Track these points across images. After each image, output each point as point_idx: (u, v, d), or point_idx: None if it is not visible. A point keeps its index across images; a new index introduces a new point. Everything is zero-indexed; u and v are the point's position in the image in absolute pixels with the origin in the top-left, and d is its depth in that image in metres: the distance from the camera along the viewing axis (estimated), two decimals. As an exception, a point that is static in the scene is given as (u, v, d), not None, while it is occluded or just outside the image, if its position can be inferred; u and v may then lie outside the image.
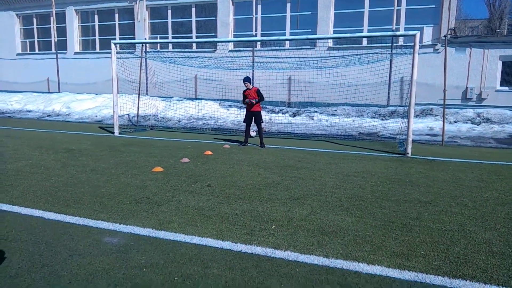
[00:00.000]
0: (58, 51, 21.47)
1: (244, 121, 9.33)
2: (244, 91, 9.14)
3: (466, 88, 15.04)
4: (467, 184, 5.68)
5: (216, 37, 17.73)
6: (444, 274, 2.93)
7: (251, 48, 17.22)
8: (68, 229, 3.76)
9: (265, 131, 11.99)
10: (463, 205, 4.68)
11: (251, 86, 9.04)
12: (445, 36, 9.74)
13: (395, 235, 3.70)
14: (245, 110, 9.51)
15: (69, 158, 7.24)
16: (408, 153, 8.05)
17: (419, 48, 8.82)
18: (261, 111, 9.31)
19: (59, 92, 21.18)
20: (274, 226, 3.90)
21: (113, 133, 10.88)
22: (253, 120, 9.19)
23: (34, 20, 22.64)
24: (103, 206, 4.47)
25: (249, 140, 9.55)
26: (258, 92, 9.05)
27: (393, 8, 15.41)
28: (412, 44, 8.19)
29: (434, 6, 15.33)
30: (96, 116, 15.58)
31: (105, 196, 4.84)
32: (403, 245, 3.46)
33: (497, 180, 5.99)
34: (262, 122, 9.20)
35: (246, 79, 9.01)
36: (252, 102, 8.91)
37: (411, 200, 4.84)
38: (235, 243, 3.48)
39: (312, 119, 14.17)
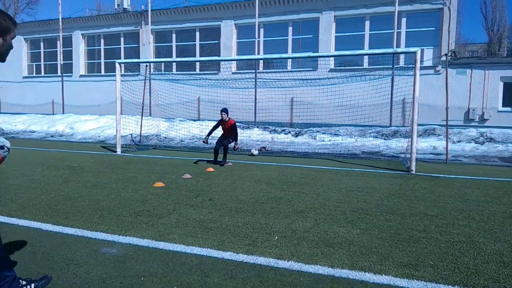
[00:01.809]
0: (64, 74, 21.86)
1: (216, 146, 8.97)
2: (219, 121, 9.08)
3: (468, 109, 15.09)
4: (474, 199, 5.57)
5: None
6: (454, 284, 2.81)
7: (254, 70, 17.46)
8: (65, 240, 3.67)
9: (267, 150, 11.96)
10: (471, 218, 4.57)
11: (227, 119, 8.95)
12: (445, 54, 9.83)
13: (402, 246, 3.58)
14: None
15: (71, 175, 7.20)
16: (412, 170, 7.97)
17: (420, 69, 8.92)
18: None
19: (63, 114, 21.40)
20: (277, 238, 3.79)
21: (115, 151, 10.88)
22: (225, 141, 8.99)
23: (41, 44, 23.19)
24: (103, 218, 4.39)
25: (251, 159, 9.51)
26: (233, 127, 8.93)
27: (393, 30, 15.70)
28: (413, 64, 8.25)
29: (433, 28, 15.62)
30: (99, 136, 15.63)
31: (105, 209, 4.76)
32: (411, 255, 3.35)
33: (504, 195, 5.88)
34: (231, 142, 8.99)
35: (224, 110, 8.99)
36: (231, 144, 8.96)
37: (417, 214, 4.73)
38: (237, 253, 3.37)
39: (315, 139, 14.15)
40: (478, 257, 3.34)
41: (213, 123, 16.21)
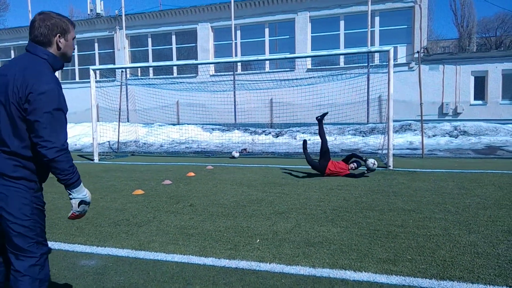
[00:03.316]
0: (37, 82, 21.24)
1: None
2: (347, 165, 7.40)
3: (442, 103, 15.51)
4: (449, 192, 5.74)
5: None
6: (431, 277, 2.88)
7: (232, 72, 17.45)
8: (42, 254, 3.57)
9: (248, 152, 11.99)
10: (446, 211, 4.70)
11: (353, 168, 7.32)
12: (418, 51, 10.09)
13: (381, 242, 3.65)
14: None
15: (46, 186, 6.94)
16: (389, 166, 8.13)
17: (394, 66, 9.14)
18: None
19: (37, 123, 20.79)
20: (258, 240, 3.80)
21: (92, 160, 10.66)
22: None
23: (12, 52, 22.48)
24: (80, 230, 4.29)
25: (232, 162, 9.47)
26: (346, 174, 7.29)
27: (367, 29, 15.99)
28: (387, 62, 8.42)
29: (406, 26, 16.00)
30: (76, 145, 15.29)
31: (83, 220, 4.65)
32: (389, 251, 3.42)
33: (478, 187, 6.07)
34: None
35: (358, 164, 7.41)
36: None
37: (395, 209, 4.83)
38: (219, 258, 3.36)
39: (295, 138, 14.26)
40: (454, 249, 3.44)
41: (192, 127, 16.20)
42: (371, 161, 7.31)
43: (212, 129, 16.13)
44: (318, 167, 7.38)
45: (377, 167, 7.58)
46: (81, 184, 2.10)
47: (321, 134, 7.63)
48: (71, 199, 2.07)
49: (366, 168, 7.33)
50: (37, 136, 1.90)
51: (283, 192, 5.98)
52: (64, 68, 2.35)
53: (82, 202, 2.10)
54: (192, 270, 3.15)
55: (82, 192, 2.09)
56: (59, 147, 1.93)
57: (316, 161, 7.56)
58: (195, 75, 18.18)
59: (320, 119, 7.80)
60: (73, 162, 2.05)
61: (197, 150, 13.03)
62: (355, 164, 7.31)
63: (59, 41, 2.05)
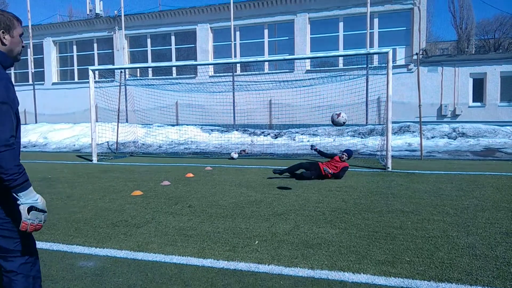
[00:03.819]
0: (35, 82, 21.22)
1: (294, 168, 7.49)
2: (334, 157, 7.60)
3: (441, 105, 15.54)
4: (447, 194, 5.75)
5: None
6: (429, 279, 2.88)
7: (231, 73, 17.45)
8: (40, 255, 3.54)
9: (247, 153, 12.00)
10: (445, 213, 4.71)
11: (345, 158, 7.47)
12: (416, 53, 10.11)
13: (379, 244, 3.65)
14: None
15: (45, 186, 7.00)
16: (388, 168, 8.14)
17: (393, 68, 9.15)
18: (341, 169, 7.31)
19: (36, 123, 20.77)
20: (257, 242, 3.80)
21: (91, 160, 10.65)
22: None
23: (11, 52, 22.43)
24: (79, 231, 4.28)
25: (231, 163, 9.48)
26: (343, 170, 7.26)
27: (366, 31, 16.01)
28: (386, 64, 8.43)
29: (405, 28, 16.03)
30: (74, 145, 15.27)
31: (81, 221, 4.65)
32: (388, 253, 3.42)
33: (476, 188, 6.08)
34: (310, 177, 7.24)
35: (348, 151, 7.62)
36: (329, 173, 7.13)
37: (394, 211, 4.84)
38: (217, 260, 3.36)
39: (294, 140, 14.26)
40: (452, 251, 3.44)
41: (191, 127, 16.20)
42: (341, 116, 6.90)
43: (211, 130, 16.12)
44: (312, 173, 7.24)
45: (346, 122, 7.20)
46: (31, 188, 1.91)
47: (327, 156, 8.23)
48: (19, 205, 1.87)
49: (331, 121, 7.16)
50: None
51: (282, 194, 5.99)
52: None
53: (32, 209, 1.88)
54: (190, 271, 3.14)
55: (32, 197, 1.89)
56: (3, 142, 1.78)
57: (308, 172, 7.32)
58: (194, 76, 18.18)
59: (317, 150, 8.41)
60: (21, 161, 1.91)
61: (196, 151, 13.03)
62: (345, 154, 7.50)
63: (4, 37, 2.00)
